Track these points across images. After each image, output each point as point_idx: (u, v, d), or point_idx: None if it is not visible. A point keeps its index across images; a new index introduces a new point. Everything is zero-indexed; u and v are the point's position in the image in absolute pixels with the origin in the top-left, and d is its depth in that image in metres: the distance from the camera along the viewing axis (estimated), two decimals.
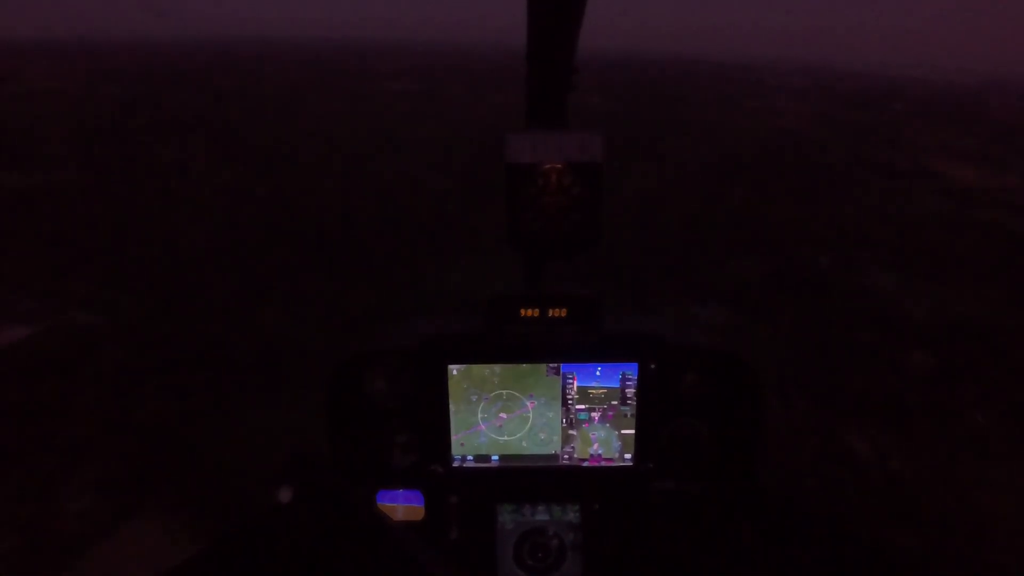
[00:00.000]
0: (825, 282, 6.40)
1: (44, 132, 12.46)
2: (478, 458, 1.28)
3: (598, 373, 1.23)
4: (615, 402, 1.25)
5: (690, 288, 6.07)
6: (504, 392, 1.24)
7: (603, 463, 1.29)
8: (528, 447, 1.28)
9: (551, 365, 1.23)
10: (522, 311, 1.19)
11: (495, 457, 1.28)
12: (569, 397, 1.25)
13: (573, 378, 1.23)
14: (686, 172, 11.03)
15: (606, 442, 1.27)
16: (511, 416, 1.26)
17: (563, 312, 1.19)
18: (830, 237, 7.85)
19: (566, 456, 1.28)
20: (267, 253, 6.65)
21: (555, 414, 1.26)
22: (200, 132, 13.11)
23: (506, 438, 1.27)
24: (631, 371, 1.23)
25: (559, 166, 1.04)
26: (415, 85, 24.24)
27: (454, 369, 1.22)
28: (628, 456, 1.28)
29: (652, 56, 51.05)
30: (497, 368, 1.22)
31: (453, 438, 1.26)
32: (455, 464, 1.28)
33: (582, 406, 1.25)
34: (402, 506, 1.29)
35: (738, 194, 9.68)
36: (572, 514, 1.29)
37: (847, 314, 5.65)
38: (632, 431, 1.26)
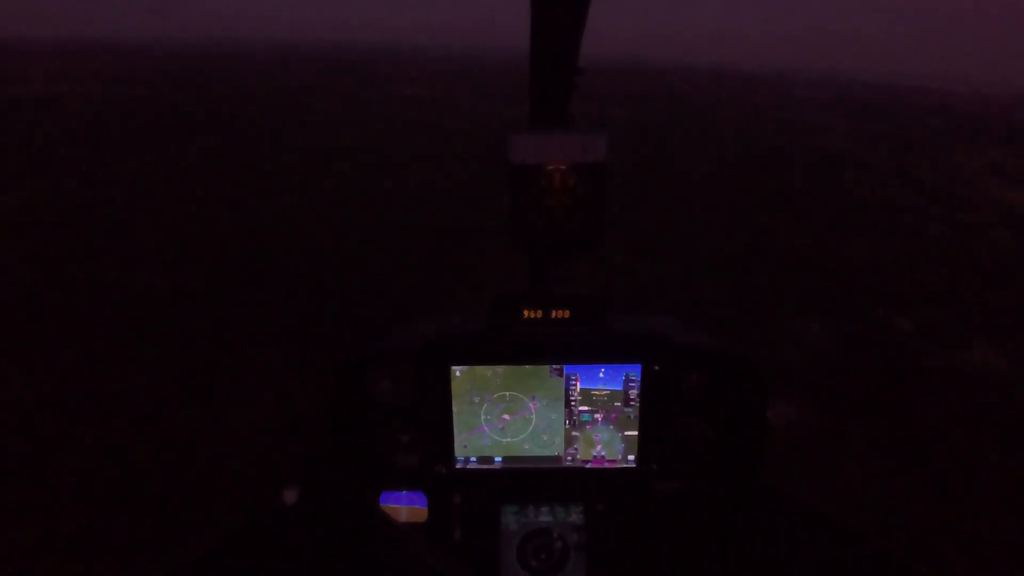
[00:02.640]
0: (916, 358, 5.08)
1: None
2: (481, 459, 1.28)
3: (601, 374, 1.22)
4: (618, 403, 1.24)
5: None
6: (507, 393, 1.23)
7: (606, 464, 1.28)
8: (531, 448, 1.27)
9: (554, 366, 1.22)
10: (525, 312, 1.19)
11: (498, 458, 1.28)
12: (572, 398, 1.24)
13: (576, 379, 1.23)
14: (724, 199, 9.73)
15: (609, 443, 1.27)
16: (514, 417, 1.25)
17: (566, 313, 1.19)
18: (903, 287, 6.52)
19: (569, 457, 1.28)
20: (219, 314, 5.19)
21: (558, 415, 1.25)
22: (185, 148, 11.95)
23: (509, 439, 1.26)
24: (634, 372, 1.22)
25: (562, 167, 1.03)
26: (426, 91, 23.13)
27: (457, 370, 1.21)
28: (631, 457, 1.27)
29: (667, 64, 49.60)
30: (500, 369, 1.22)
31: (456, 439, 1.26)
32: (458, 465, 1.28)
33: (585, 407, 1.25)
34: (405, 507, 1.27)
35: (786, 227, 8.36)
36: (576, 515, 1.27)
37: (958, 414, 4.31)
38: (635, 432, 1.26)
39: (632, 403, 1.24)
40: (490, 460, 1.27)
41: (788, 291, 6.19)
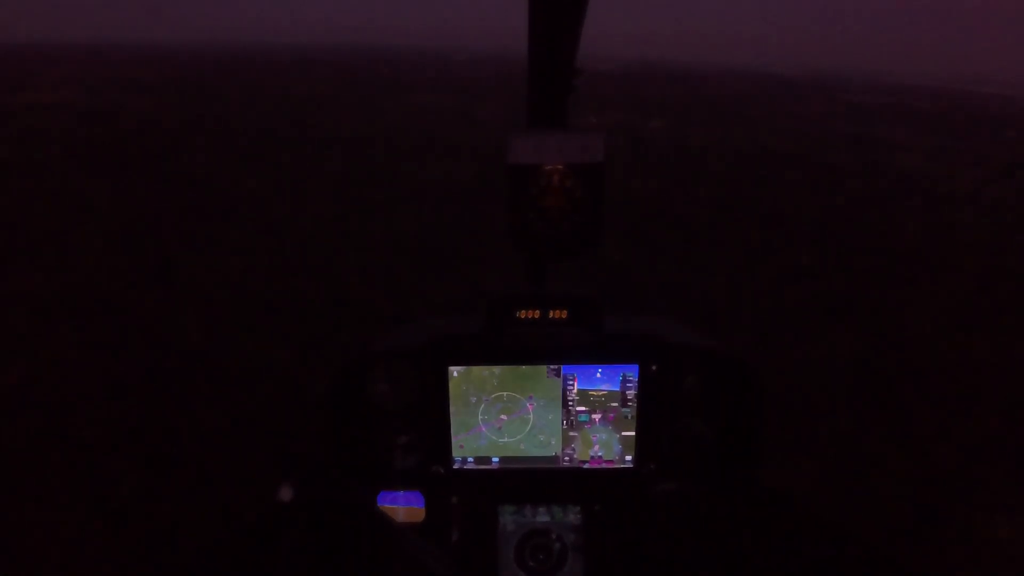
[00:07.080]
0: None
1: None
2: (478, 460, 1.28)
3: (599, 375, 1.22)
4: (615, 404, 1.24)
5: None
6: (504, 394, 1.23)
7: (604, 465, 1.28)
8: (528, 449, 1.27)
9: (551, 367, 1.21)
10: (522, 312, 1.18)
11: (495, 459, 1.28)
12: (569, 399, 1.23)
13: (574, 380, 1.22)
14: (807, 249, 7.54)
15: (607, 444, 1.26)
16: (511, 418, 1.25)
17: (564, 313, 1.18)
18: None
19: (567, 458, 1.28)
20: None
21: (555, 416, 1.25)
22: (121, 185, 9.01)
23: (506, 440, 1.26)
24: (632, 373, 1.21)
25: (560, 167, 1.03)
26: (445, 98, 21.23)
27: (454, 371, 1.21)
28: (629, 458, 1.27)
29: (699, 66, 46.90)
30: (497, 370, 1.21)
31: (453, 440, 1.25)
32: (455, 466, 1.27)
33: (582, 408, 1.24)
34: (403, 507, 1.27)
35: (916, 312, 5.74)
36: (573, 516, 1.27)
37: None
38: (633, 433, 1.25)
39: (629, 403, 1.23)
40: (487, 460, 1.28)
41: (955, 442, 4.04)
